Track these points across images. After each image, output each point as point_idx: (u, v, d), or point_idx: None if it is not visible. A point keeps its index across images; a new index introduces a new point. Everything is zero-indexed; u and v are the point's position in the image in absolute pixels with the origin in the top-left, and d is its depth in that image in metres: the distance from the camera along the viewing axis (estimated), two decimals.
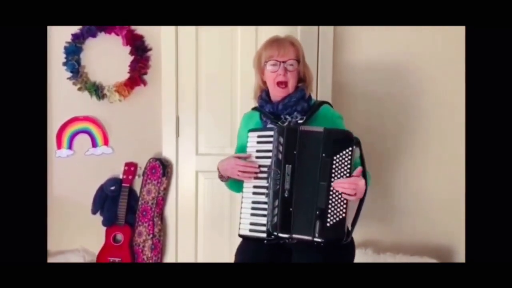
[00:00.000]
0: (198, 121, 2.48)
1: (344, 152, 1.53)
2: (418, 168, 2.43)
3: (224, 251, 2.45)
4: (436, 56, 2.38)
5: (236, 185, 1.81)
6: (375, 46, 2.40)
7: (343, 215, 1.53)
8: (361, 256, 1.75)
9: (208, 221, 2.50)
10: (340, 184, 1.52)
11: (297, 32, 2.29)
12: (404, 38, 2.36)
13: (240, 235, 1.70)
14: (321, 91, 2.33)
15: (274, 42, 1.75)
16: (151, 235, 2.47)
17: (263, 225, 1.63)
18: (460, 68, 1.63)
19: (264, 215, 1.63)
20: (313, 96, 1.90)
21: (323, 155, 1.54)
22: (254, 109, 1.88)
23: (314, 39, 2.34)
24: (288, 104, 1.72)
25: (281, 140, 1.59)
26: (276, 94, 1.76)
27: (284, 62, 1.70)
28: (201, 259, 2.51)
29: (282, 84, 1.72)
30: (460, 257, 2.40)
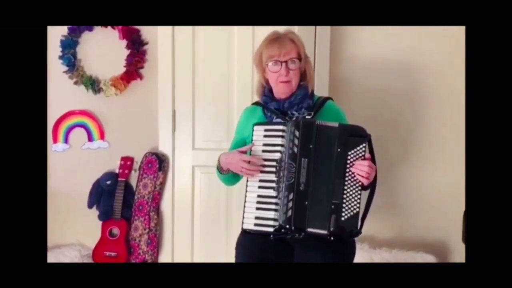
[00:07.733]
0: (194, 116, 2.47)
1: (358, 148, 1.55)
2: (415, 164, 2.44)
3: (220, 245, 2.45)
4: (436, 52, 2.37)
5: (232, 179, 1.80)
6: (373, 42, 2.40)
7: (357, 209, 1.55)
8: (357, 251, 1.77)
9: (205, 215, 2.50)
10: (359, 166, 1.54)
11: (295, 27, 2.27)
12: (403, 34, 2.36)
13: (244, 229, 1.65)
14: (317, 87, 2.31)
15: (275, 41, 1.71)
16: (147, 230, 2.47)
17: (269, 219, 1.60)
18: (461, 65, 1.63)
19: (270, 209, 1.60)
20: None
21: (338, 150, 1.55)
22: (256, 103, 1.84)
23: (311, 35, 2.33)
24: (294, 102, 1.70)
25: (297, 133, 1.57)
26: (280, 90, 1.73)
27: (285, 61, 1.68)
28: (197, 254, 2.51)
29: (285, 82, 1.70)
30: (456, 252, 2.42)
